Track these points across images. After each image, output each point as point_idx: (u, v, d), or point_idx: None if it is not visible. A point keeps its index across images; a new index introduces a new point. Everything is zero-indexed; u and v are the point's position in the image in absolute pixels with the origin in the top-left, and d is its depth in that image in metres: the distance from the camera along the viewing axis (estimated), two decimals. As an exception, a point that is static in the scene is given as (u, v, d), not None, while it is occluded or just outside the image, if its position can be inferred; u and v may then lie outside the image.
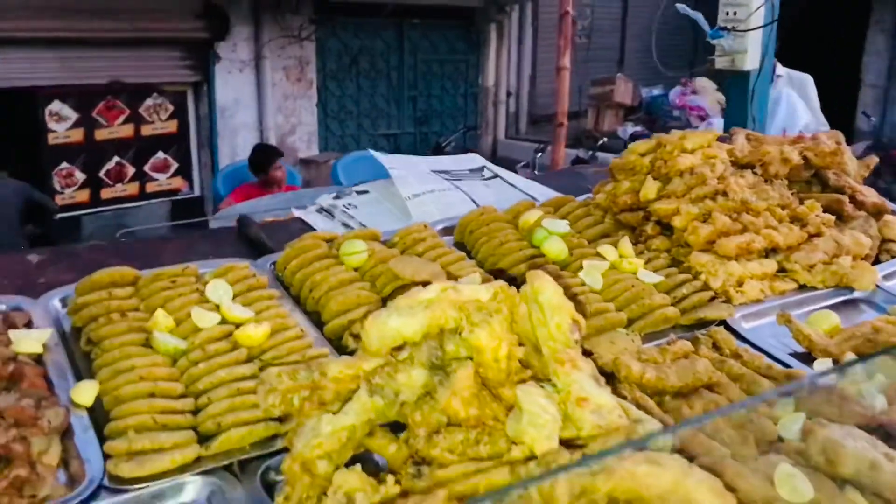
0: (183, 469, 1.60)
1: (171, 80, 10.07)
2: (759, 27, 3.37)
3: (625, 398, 1.88)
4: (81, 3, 8.92)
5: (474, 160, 3.17)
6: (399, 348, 1.47)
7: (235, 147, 10.16)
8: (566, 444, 1.33)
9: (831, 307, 2.41)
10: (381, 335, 1.43)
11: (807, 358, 2.19)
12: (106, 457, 1.59)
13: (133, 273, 2.04)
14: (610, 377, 1.93)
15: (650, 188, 2.52)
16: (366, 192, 2.78)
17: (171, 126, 10.23)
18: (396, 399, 1.43)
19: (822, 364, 2.16)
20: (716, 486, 1.27)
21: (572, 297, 1.75)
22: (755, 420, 1.87)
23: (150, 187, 10.14)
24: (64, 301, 2.04)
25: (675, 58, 11.51)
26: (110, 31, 9.26)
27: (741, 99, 3.54)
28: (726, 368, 2.05)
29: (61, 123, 9.55)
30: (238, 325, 1.89)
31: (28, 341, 1.81)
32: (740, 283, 2.37)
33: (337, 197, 2.70)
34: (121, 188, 9.91)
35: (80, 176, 9.60)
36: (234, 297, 2.00)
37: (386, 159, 2.94)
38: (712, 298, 2.32)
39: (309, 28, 10.52)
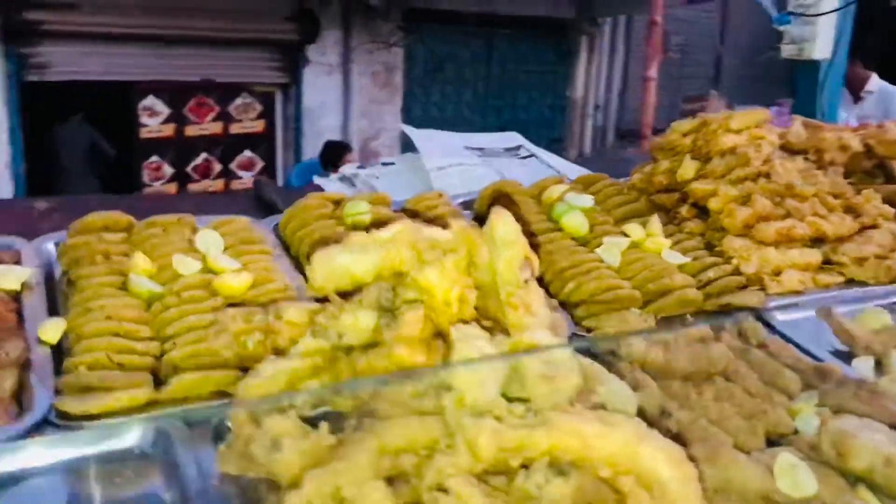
0: (133, 411, 1.52)
1: (261, 81, 10.27)
2: (831, 12, 3.12)
3: (623, 378, 1.73)
4: (179, 2, 9.19)
5: (513, 139, 3.04)
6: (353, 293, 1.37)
7: (319, 149, 10.27)
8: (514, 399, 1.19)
9: (884, 306, 2.18)
10: (327, 271, 1.32)
11: (849, 358, 1.98)
12: (57, 392, 1.54)
13: (127, 219, 1.99)
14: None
15: (688, 168, 2.34)
16: (391, 163, 2.69)
17: (259, 126, 10.42)
18: (340, 342, 1.32)
19: (862, 362, 1.94)
20: (674, 455, 1.11)
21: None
22: (769, 411, 1.68)
23: (235, 185, 10.33)
24: (58, 245, 2.00)
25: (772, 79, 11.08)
26: (205, 30, 9.51)
27: (809, 92, 3.29)
28: (748, 357, 1.86)
29: (154, 118, 9.84)
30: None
31: (7, 278, 1.77)
32: (778, 273, 2.17)
33: (361, 167, 2.61)
34: (207, 184, 10.13)
35: (168, 170, 9.86)
36: (226, 249, 1.93)
37: (416, 133, 2.84)
38: (745, 287, 2.12)
39: (397, 34, 10.57)
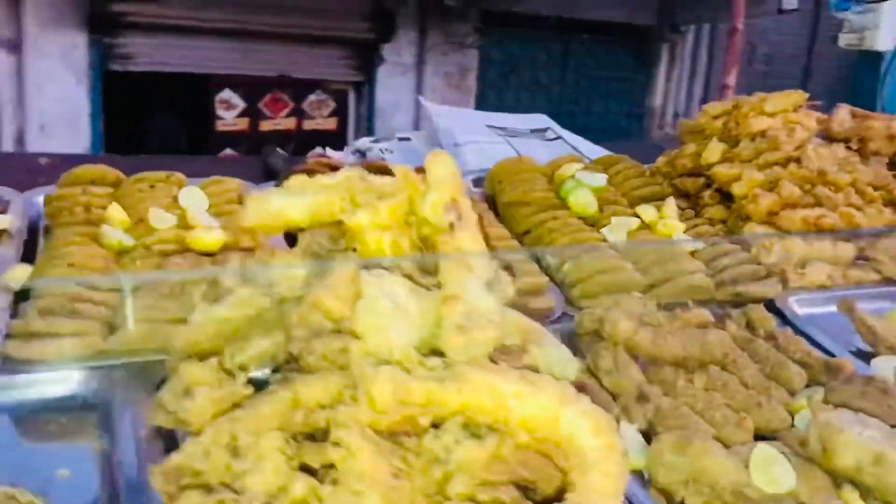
0: (80, 359, 1.47)
1: (335, 79, 10.31)
2: (897, -1, 2.89)
3: (602, 358, 1.60)
4: (257, -3, 9.33)
5: (540, 120, 2.93)
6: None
7: (389, 148, 10.27)
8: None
9: (921, 309, 1.98)
10: (258, 212, 1.23)
11: (871, 358, 1.81)
12: (8, 336, 1.50)
13: (116, 174, 1.96)
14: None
15: (713, 150, 2.19)
16: (408, 139, 2.61)
17: (331, 123, 10.47)
18: (271, 291, 1.24)
19: (883, 361, 1.76)
20: (599, 424, 0.99)
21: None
22: (764, 405, 1.53)
23: (305, 181, 10.40)
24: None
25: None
26: (283, 26, 9.60)
27: (869, 85, 3.05)
28: (751, 348, 1.71)
29: (230, 111, 9.99)
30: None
31: (-19, 222, 1.76)
32: (803, 265, 2.00)
33: (376, 141, 2.54)
34: (279, 179, 10.24)
35: (241, 163, 10.00)
36: (210, 208, 1.87)
37: (435, 108, 2.76)
38: (765, 277, 1.96)
39: (472, 36, 10.51)
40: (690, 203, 2.21)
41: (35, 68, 8.26)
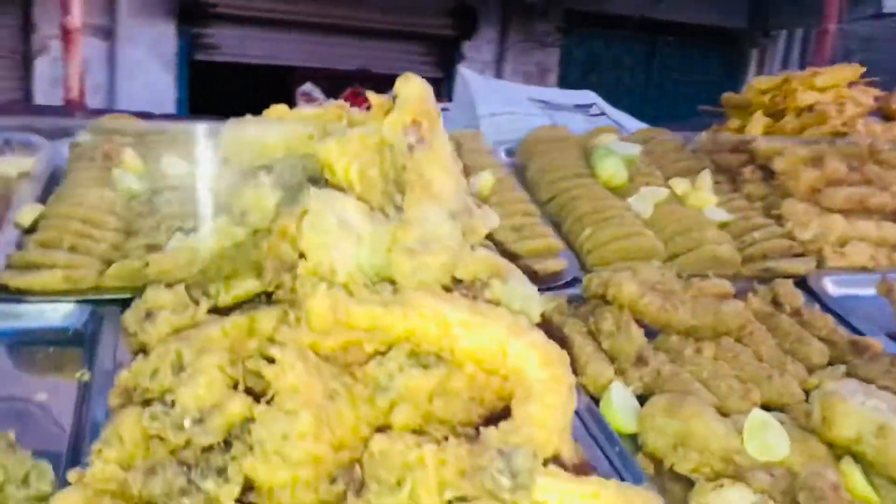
0: (71, 293, 1.48)
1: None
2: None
3: (604, 320, 1.52)
4: (339, -9, 9.45)
5: (586, 96, 2.84)
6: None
7: (465, 144, 10.26)
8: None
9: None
10: (235, 141, 1.21)
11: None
12: (8, 267, 1.52)
13: (142, 127, 1.98)
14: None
15: (757, 124, 2.09)
16: (446, 109, 2.56)
17: (409, 118, 10.53)
18: (244, 220, 1.21)
19: (920, 345, 1.63)
20: (549, 356, 0.92)
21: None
22: (775, 379, 1.43)
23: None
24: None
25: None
26: (365, 20, 9.72)
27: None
28: (772, 323, 1.60)
29: (310, 104, 10.15)
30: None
31: (6, 165, 1.79)
32: (843, 244, 1.87)
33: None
34: (356, 172, 10.33)
35: (320, 156, 10.13)
36: (228, 160, 1.87)
37: (474, 78, 2.71)
38: (799, 254, 1.85)
39: (555, 35, 10.41)
40: (731, 180, 2.10)
41: (125, 55, 8.56)
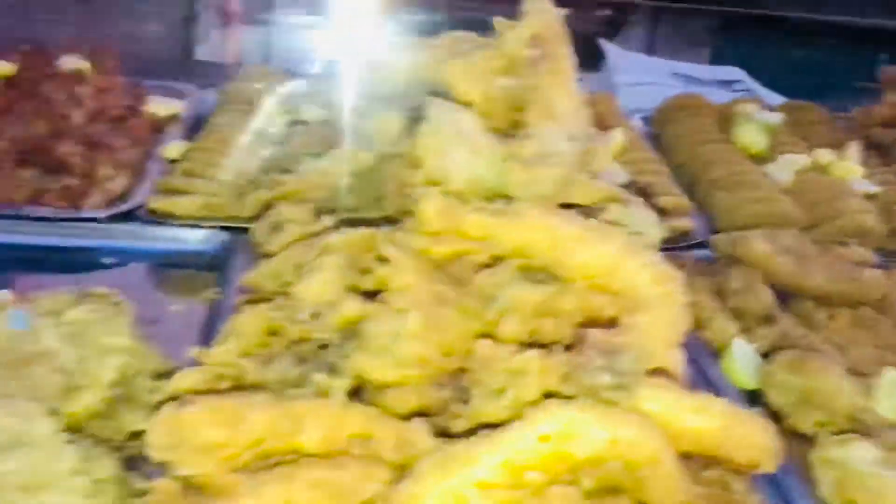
0: (211, 220, 1.56)
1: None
2: None
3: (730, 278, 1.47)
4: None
5: (732, 73, 2.74)
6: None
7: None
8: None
9: None
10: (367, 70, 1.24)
11: None
12: (154, 193, 1.61)
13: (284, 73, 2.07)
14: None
15: (914, 98, 1.95)
16: (580, 79, 2.51)
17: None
18: (370, 146, 1.24)
19: None
20: (664, 274, 0.90)
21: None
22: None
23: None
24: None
25: None
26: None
27: None
28: (917, 294, 1.50)
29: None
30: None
31: (157, 105, 1.91)
32: None
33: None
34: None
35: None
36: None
37: (615, 50, 2.66)
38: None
39: (706, 35, 10.09)
40: (882, 154, 1.98)
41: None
